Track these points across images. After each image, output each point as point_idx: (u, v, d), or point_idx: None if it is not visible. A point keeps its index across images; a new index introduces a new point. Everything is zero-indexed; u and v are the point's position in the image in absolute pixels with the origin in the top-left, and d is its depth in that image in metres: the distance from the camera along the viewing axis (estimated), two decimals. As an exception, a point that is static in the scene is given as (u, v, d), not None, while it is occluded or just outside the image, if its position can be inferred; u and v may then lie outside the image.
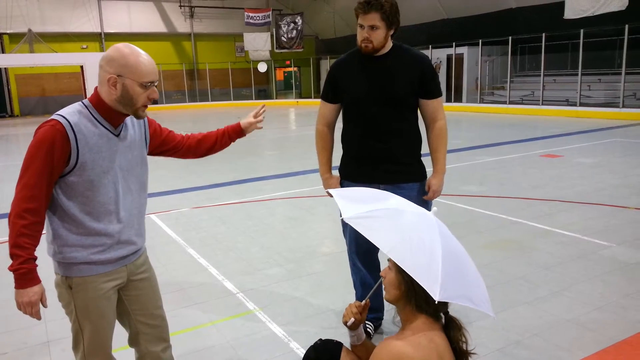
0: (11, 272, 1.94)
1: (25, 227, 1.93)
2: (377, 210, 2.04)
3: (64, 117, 1.99)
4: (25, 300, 1.99)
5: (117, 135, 2.12)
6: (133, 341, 2.39)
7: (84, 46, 29.19)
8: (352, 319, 2.12)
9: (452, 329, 1.91)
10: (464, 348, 1.90)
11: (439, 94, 3.15)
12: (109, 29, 29.70)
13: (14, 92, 28.62)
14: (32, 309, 2.01)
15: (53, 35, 27.79)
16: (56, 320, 3.68)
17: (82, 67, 26.92)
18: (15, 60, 25.71)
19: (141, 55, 2.03)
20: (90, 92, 27.54)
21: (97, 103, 2.05)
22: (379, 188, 2.56)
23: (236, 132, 2.59)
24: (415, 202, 2.74)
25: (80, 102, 2.08)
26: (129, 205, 2.19)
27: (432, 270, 1.77)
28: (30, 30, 26.56)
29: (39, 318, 2.05)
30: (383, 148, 3.09)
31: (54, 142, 1.94)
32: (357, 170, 3.19)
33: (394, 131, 3.08)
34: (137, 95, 2.02)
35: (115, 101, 2.03)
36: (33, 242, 1.96)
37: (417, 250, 1.84)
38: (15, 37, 26.78)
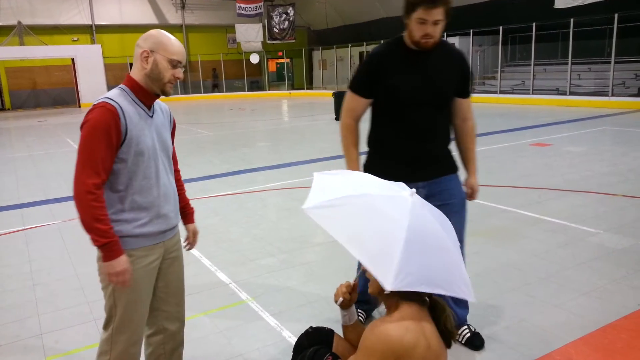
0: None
1: (95, 200, 2.05)
2: (340, 199, 1.99)
3: (110, 99, 2.13)
4: (118, 269, 2.11)
5: (151, 117, 2.28)
6: (148, 318, 2.45)
7: (75, 38, 28.96)
8: (341, 298, 2.20)
9: (437, 311, 1.94)
10: (450, 328, 1.93)
11: (470, 93, 3.13)
12: (100, 21, 29.47)
13: (5, 86, 28.39)
14: (123, 277, 2.13)
15: (43, 28, 27.51)
16: (48, 313, 3.73)
17: (73, 59, 26.81)
18: (5, 53, 25.50)
19: (172, 38, 2.24)
20: (81, 84, 27.24)
21: (132, 85, 2.22)
22: (416, 187, 2.50)
23: (183, 216, 2.66)
24: (455, 193, 2.95)
25: (118, 87, 2.24)
26: (166, 182, 2.33)
27: (388, 258, 1.75)
28: (19, 22, 26.27)
29: (129, 285, 2.19)
30: (425, 148, 2.97)
31: (109, 120, 2.07)
32: (394, 170, 2.88)
33: (433, 129, 2.98)
34: (164, 71, 2.19)
35: (145, 76, 2.19)
36: (106, 213, 2.10)
37: (373, 238, 1.82)
38: (5, 30, 26.45)
